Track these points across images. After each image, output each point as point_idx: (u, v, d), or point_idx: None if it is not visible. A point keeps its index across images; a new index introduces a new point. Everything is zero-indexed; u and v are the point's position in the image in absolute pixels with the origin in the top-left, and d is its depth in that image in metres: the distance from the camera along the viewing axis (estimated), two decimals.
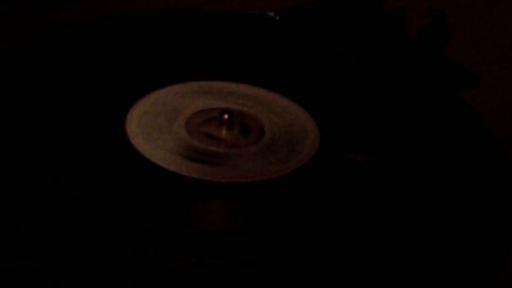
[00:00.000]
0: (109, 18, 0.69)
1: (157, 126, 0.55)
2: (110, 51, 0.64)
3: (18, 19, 0.71)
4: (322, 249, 0.47)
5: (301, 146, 0.55)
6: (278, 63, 0.65)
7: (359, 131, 0.58)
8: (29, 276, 0.42)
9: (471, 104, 0.61)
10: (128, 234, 0.46)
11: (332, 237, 0.48)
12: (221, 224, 0.49)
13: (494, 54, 0.73)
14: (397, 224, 0.49)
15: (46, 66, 0.61)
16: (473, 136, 0.58)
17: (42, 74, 0.60)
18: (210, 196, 0.50)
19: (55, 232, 0.45)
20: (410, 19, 0.70)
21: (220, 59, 0.64)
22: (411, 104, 0.61)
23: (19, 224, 0.46)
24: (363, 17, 0.70)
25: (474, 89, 0.66)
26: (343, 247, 0.47)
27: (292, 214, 0.50)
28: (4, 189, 0.48)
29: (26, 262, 0.43)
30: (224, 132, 0.55)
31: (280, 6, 0.71)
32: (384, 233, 0.49)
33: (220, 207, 0.50)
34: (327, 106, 0.60)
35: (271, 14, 0.71)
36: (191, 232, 0.47)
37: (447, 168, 0.55)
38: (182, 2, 0.75)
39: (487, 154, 0.56)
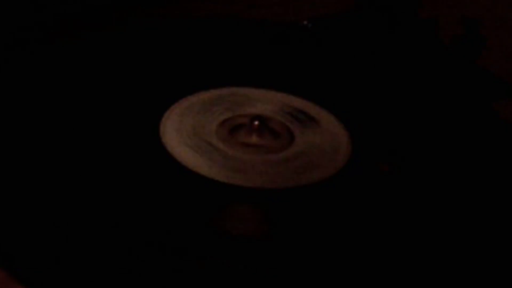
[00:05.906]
0: (168, 21, 0.71)
1: (189, 128, 0.56)
2: (157, 54, 0.65)
3: (68, 20, 0.72)
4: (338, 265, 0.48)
5: (332, 156, 0.55)
6: (311, 71, 0.65)
7: (391, 141, 0.58)
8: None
9: (503, 114, 0.61)
10: (151, 235, 0.47)
11: (344, 248, 0.48)
12: (241, 228, 0.49)
13: None
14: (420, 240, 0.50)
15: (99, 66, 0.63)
16: (505, 147, 0.58)
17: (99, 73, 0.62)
18: (232, 201, 0.51)
19: (82, 234, 0.47)
20: (443, 27, 0.70)
21: (252, 66, 0.65)
22: (444, 114, 0.61)
23: (57, 227, 0.47)
24: (397, 26, 0.71)
25: (507, 99, 0.66)
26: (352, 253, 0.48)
27: (310, 223, 0.50)
28: (41, 190, 0.49)
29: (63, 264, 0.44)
30: (254, 138, 0.56)
31: (314, 14, 0.72)
32: (409, 254, 0.49)
33: (241, 211, 0.51)
34: (360, 116, 0.60)
35: (305, 22, 0.71)
36: (213, 234, 0.48)
37: (477, 178, 0.55)
38: (218, 7, 0.76)
39: None
